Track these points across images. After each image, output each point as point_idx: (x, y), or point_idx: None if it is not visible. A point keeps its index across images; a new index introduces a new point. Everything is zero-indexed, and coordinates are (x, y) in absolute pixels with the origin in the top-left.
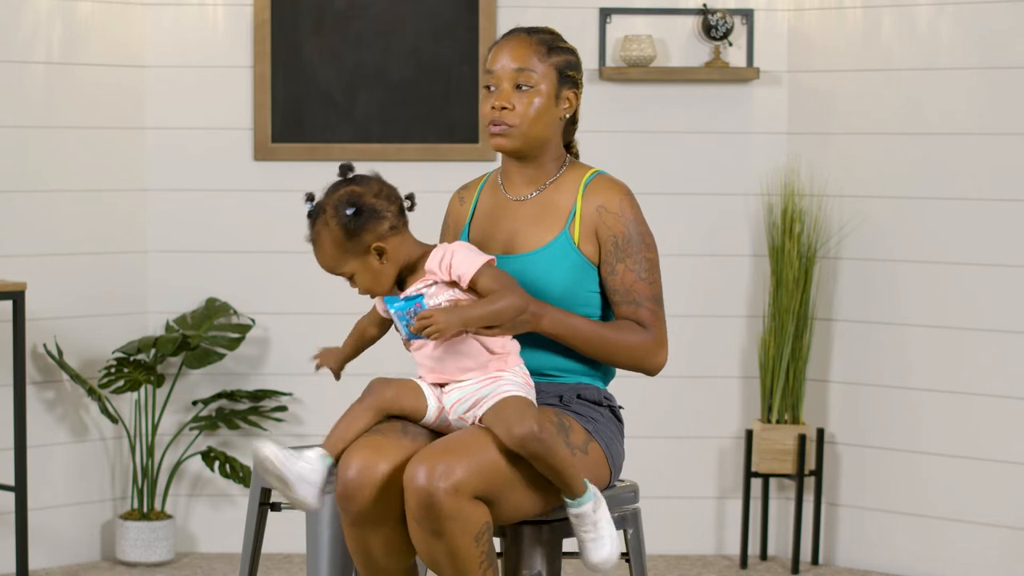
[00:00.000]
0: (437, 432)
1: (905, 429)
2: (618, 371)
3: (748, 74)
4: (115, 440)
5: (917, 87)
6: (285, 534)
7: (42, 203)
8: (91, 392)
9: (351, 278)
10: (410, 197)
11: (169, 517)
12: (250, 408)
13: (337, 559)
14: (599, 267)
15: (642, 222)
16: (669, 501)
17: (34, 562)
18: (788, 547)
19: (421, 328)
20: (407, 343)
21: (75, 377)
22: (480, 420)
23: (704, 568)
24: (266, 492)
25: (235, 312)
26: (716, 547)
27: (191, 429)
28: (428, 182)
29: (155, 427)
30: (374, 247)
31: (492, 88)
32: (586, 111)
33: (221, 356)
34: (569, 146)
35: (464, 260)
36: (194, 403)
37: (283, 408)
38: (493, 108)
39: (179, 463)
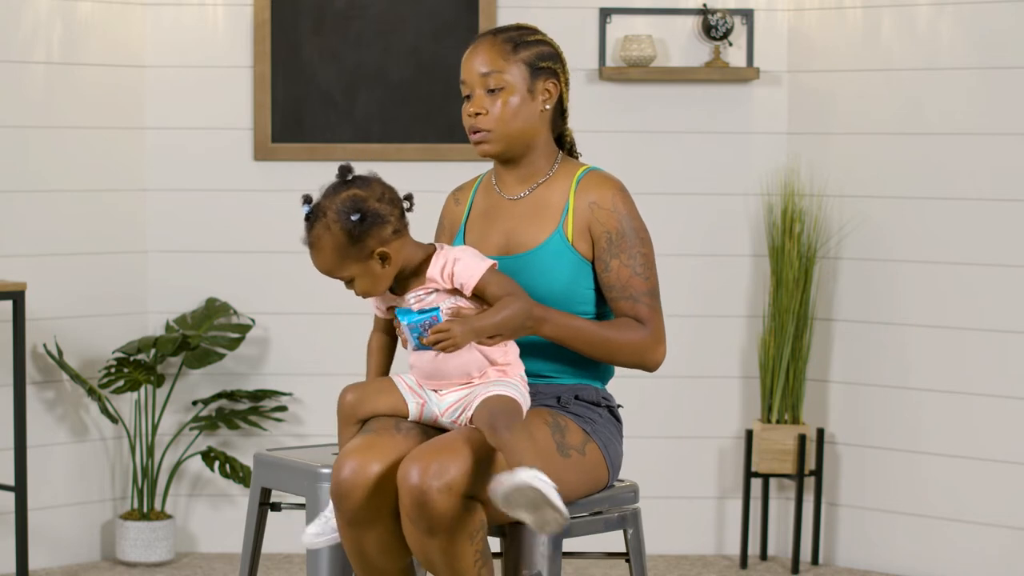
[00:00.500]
0: (433, 429)
1: (905, 429)
2: (617, 371)
3: (748, 74)
4: (115, 440)
5: (917, 87)
6: (285, 534)
7: (42, 203)
8: (91, 392)
9: (349, 282)
10: (408, 198)
11: (169, 517)
12: (250, 408)
13: (337, 559)
14: (593, 264)
15: (636, 217)
16: (669, 501)
17: (34, 562)
18: (788, 547)
19: (436, 342)
20: (404, 343)
21: (75, 377)
22: (471, 420)
23: (704, 568)
24: (266, 492)
25: (235, 312)
26: (716, 547)
27: (191, 429)
28: (428, 182)
29: (155, 427)
30: (378, 252)
31: (467, 96)
32: (586, 111)
33: (221, 356)
34: (561, 139)
35: (466, 268)
36: (194, 403)
37: (283, 408)
38: (469, 116)
39: (179, 463)
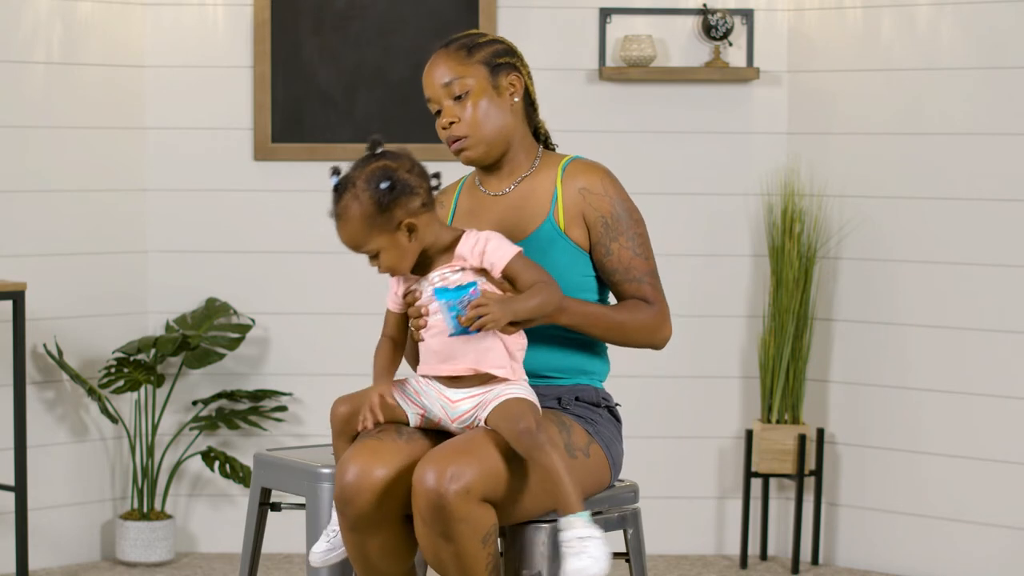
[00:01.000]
0: (437, 433)
1: (905, 429)
2: (615, 370)
3: (748, 74)
4: (115, 440)
5: (917, 87)
6: (285, 534)
7: (42, 203)
8: (91, 392)
9: (375, 255)
10: (436, 175)
11: (169, 517)
12: (250, 408)
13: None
14: (592, 250)
15: (627, 198)
16: (669, 501)
17: (34, 562)
18: (788, 547)
19: (473, 318)
20: (417, 330)
21: (75, 377)
22: (485, 421)
23: (704, 568)
24: (266, 492)
25: (235, 312)
26: (716, 547)
27: (191, 429)
28: None
29: (155, 427)
30: (405, 223)
31: (437, 112)
32: (586, 111)
33: (221, 356)
34: (536, 132)
35: (497, 248)
36: (194, 403)
37: (283, 408)
38: (444, 128)
39: (179, 463)
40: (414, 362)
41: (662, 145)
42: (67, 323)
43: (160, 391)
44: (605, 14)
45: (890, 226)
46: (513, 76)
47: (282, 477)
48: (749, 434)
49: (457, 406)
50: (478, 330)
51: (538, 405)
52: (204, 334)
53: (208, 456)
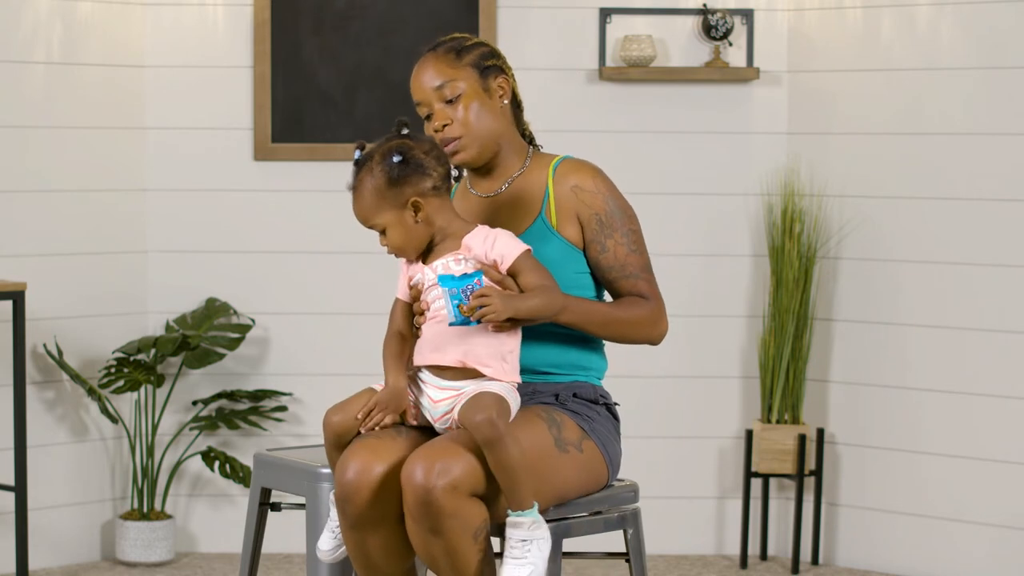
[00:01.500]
0: (436, 432)
1: (905, 429)
2: (613, 370)
3: (748, 74)
4: (115, 440)
5: (917, 87)
6: (285, 534)
7: (42, 203)
8: (91, 392)
9: (383, 232)
10: (461, 167)
11: (169, 517)
12: (250, 408)
13: (337, 560)
14: (586, 248)
15: (619, 196)
16: (669, 501)
17: (34, 562)
18: (788, 547)
19: (475, 308)
20: (420, 317)
21: (75, 377)
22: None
23: (704, 568)
24: (266, 492)
25: (235, 312)
26: (716, 547)
27: (191, 429)
28: None
29: (155, 427)
30: (412, 201)
31: (427, 117)
32: (586, 111)
33: (221, 356)
34: (523, 133)
35: (506, 244)
36: (194, 403)
37: (283, 408)
38: (436, 132)
39: (179, 463)
40: None
41: (662, 145)
42: (67, 323)
43: (160, 391)
44: (605, 14)
45: (890, 226)
46: (501, 79)
47: (282, 477)
48: (749, 434)
49: (438, 406)
50: (478, 321)
51: (511, 404)
52: (204, 334)
53: (208, 456)
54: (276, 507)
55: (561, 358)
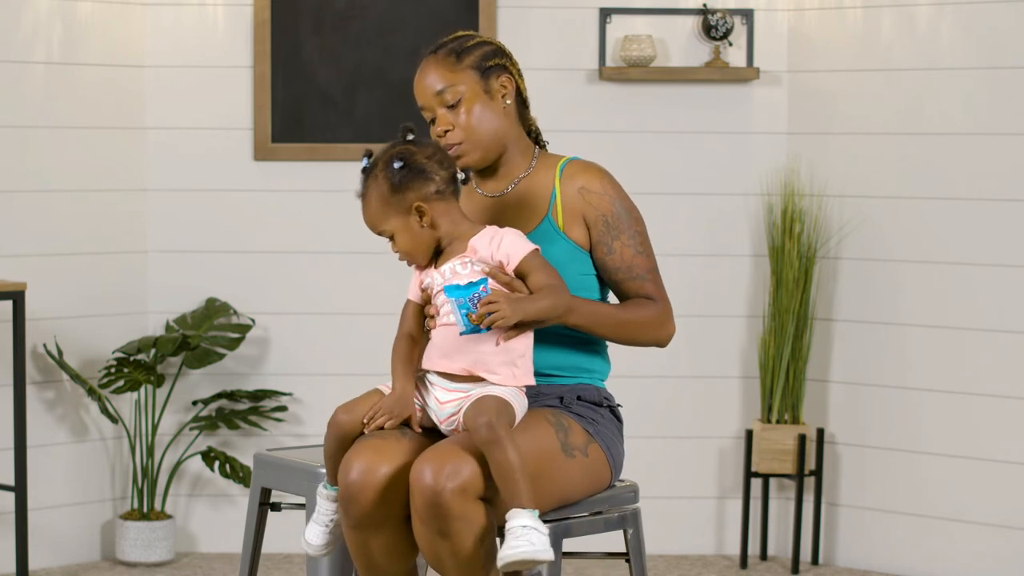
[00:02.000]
0: (440, 433)
1: (905, 429)
2: (615, 370)
3: (748, 74)
4: (115, 440)
5: (917, 87)
6: (285, 534)
7: (42, 203)
8: (91, 392)
9: (391, 238)
10: (465, 170)
11: (169, 517)
12: (250, 408)
13: (337, 560)
14: (593, 250)
15: (625, 197)
16: (669, 501)
17: (34, 562)
18: (788, 547)
19: (484, 315)
20: (431, 320)
21: (75, 377)
22: (462, 419)
23: (704, 568)
24: (266, 492)
25: (235, 312)
26: (716, 547)
27: (191, 429)
28: None
29: (155, 427)
30: (415, 206)
31: (431, 121)
32: (586, 111)
33: (221, 356)
34: (529, 130)
35: (513, 244)
36: (194, 403)
37: (283, 408)
38: (439, 136)
39: (179, 463)
40: None
41: (662, 145)
42: (67, 323)
43: (160, 391)
44: (605, 14)
45: (890, 226)
46: (504, 78)
47: (282, 477)
48: (749, 434)
49: (444, 407)
50: (489, 328)
51: (515, 407)
52: (204, 334)
53: (208, 456)
54: (276, 507)
55: (565, 360)
